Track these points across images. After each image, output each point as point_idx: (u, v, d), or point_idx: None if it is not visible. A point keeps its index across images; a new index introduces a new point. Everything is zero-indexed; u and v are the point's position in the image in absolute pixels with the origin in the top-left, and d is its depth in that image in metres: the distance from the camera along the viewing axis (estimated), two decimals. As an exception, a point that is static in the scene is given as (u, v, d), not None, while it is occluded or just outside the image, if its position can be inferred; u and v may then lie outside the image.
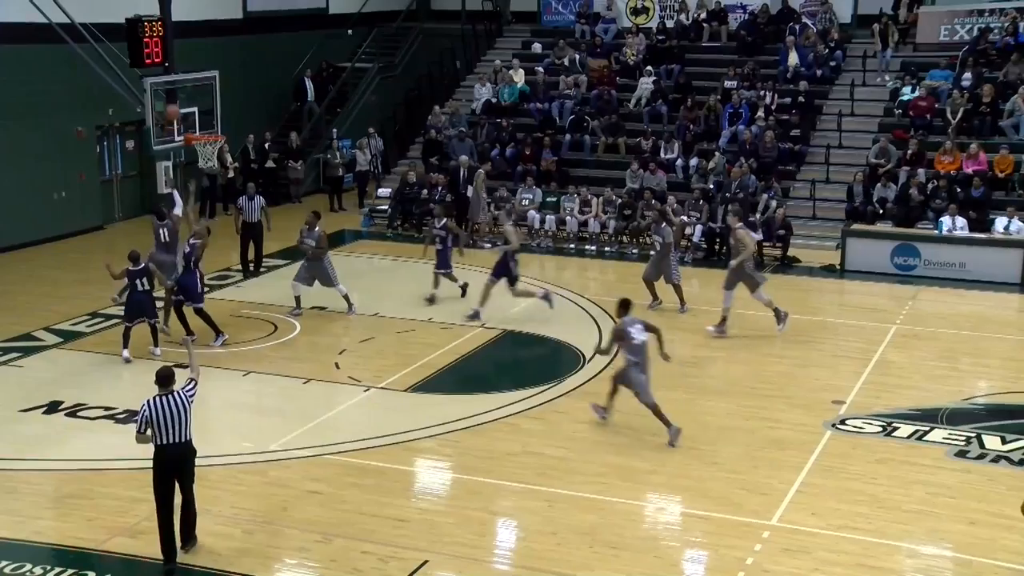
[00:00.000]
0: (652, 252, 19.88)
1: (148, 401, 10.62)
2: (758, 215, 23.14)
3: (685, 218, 23.08)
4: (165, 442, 10.59)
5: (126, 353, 16.44)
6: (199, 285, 17.19)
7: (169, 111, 21.83)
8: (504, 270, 18.60)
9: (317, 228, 18.67)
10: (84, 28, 22.90)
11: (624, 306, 14.09)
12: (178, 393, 10.69)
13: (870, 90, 27.23)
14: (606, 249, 24.01)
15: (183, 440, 10.67)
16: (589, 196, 24.51)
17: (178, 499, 10.91)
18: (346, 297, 18.80)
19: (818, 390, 15.62)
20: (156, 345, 16.59)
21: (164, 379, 10.72)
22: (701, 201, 23.59)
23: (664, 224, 19.21)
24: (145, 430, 10.63)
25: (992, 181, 23.63)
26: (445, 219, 19.98)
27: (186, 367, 11.44)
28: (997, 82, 25.70)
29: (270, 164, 28.41)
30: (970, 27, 27.50)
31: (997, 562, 10.87)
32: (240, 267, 21.57)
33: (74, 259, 22.96)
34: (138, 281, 16.33)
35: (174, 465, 10.70)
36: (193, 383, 10.94)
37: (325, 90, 31.25)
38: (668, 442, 13.59)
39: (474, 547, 11.19)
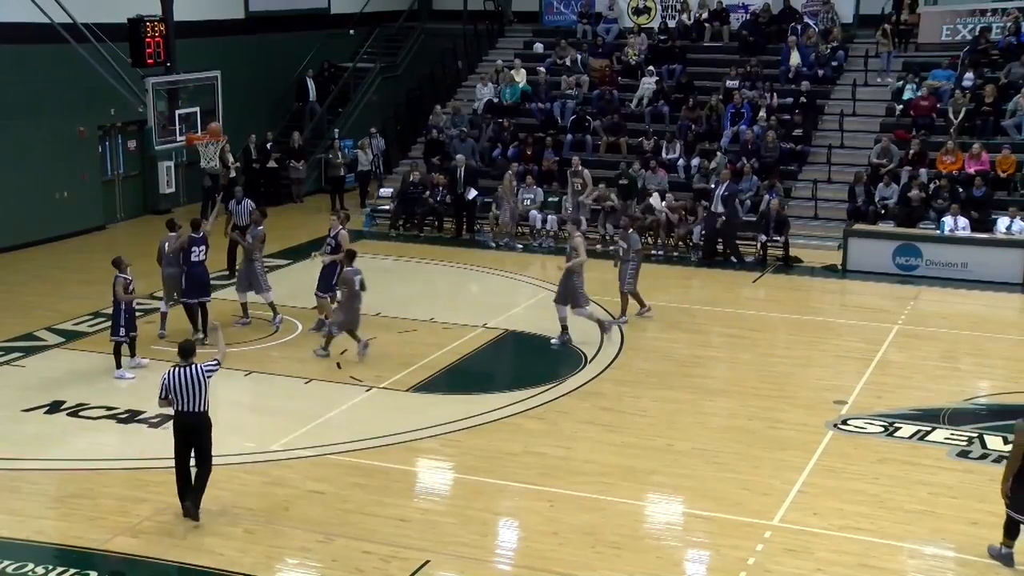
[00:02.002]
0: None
1: (168, 370, 11.54)
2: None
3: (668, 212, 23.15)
4: (180, 409, 11.46)
5: (133, 362, 16.15)
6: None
7: (212, 128, 22.00)
8: (329, 281, 17.76)
9: (260, 228, 18.28)
10: (86, 28, 22.92)
11: (350, 256, 16.65)
12: (198, 367, 11.43)
13: (872, 90, 27.20)
14: (611, 248, 23.89)
15: (196, 410, 11.41)
16: (580, 167, 24.35)
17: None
18: (271, 306, 18.23)
19: (820, 390, 15.61)
20: (119, 367, 15.94)
21: (185, 352, 11.63)
22: (702, 201, 23.55)
23: (632, 231, 18.88)
24: (166, 396, 11.46)
25: (994, 181, 23.61)
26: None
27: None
28: (999, 83, 25.64)
29: (272, 164, 28.43)
30: (972, 27, 27.46)
31: (999, 562, 10.85)
32: (227, 269, 21.10)
33: (76, 259, 22.93)
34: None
35: (188, 431, 11.51)
36: (216, 363, 11.66)
37: (327, 90, 31.26)
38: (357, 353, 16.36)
39: (476, 547, 11.18)
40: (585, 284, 17.55)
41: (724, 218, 22.54)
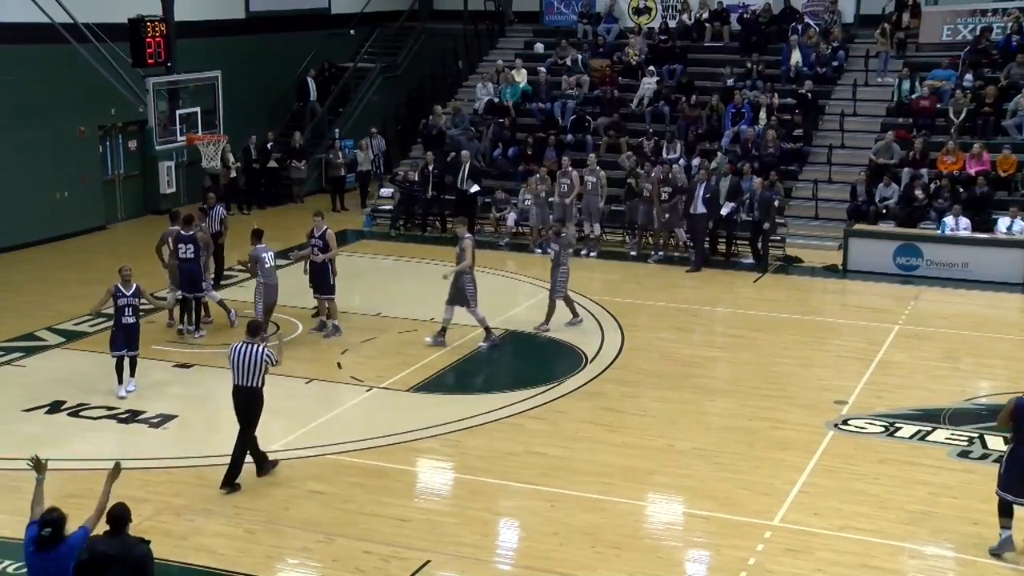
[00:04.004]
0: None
1: (234, 345, 12.48)
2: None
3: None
4: (234, 383, 12.37)
5: (122, 391, 15.15)
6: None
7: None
8: (328, 282, 17.71)
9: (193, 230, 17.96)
10: (86, 28, 22.88)
11: (257, 235, 17.06)
12: (259, 348, 12.19)
13: (873, 90, 27.15)
14: (603, 249, 23.84)
15: (246, 384, 12.23)
16: (570, 168, 23.98)
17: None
18: (221, 303, 18.09)
19: (820, 390, 15.59)
20: (133, 376, 15.29)
21: (252, 329, 12.56)
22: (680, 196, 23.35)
23: (563, 234, 18.59)
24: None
25: (995, 181, 23.56)
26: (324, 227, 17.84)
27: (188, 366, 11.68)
28: (999, 84, 25.55)
29: (272, 164, 28.39)
30: (972, 27, 27.43)
31: (1000, 563, 10.86)
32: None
33: (77, 259, 22.89)
34: (128, 308, 15.05)
35: (237, 403, 12.42)
36: (275, 359, 12.42)
37: (327, 90, 31.22)
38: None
39: (476, 547, 11.18)
40: (478, 286, 17.40)
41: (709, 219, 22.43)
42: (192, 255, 17.28)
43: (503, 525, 11.90)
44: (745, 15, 29.29)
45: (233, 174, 26.78)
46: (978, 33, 27.12)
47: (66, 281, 21.13)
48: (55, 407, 14.80)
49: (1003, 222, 21.90)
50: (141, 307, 15.40)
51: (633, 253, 23.26)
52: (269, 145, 28.48)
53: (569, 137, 27.05)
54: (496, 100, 28.75)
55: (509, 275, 22.04)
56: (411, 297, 20.09)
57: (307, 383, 15.72)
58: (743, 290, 21.02)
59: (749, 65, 27.78)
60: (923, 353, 17.32)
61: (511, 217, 24.52)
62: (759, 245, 22.32)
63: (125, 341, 15.14)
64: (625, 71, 29.14)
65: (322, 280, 17.66)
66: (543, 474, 12.79)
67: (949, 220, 22.02)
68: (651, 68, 28.37)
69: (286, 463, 13.08)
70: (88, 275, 20.76)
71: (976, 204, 22.78)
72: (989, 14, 27.52)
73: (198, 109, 22.72)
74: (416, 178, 25.69)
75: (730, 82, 27.44)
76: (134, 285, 15.17)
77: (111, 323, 15.48)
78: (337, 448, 13.49)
